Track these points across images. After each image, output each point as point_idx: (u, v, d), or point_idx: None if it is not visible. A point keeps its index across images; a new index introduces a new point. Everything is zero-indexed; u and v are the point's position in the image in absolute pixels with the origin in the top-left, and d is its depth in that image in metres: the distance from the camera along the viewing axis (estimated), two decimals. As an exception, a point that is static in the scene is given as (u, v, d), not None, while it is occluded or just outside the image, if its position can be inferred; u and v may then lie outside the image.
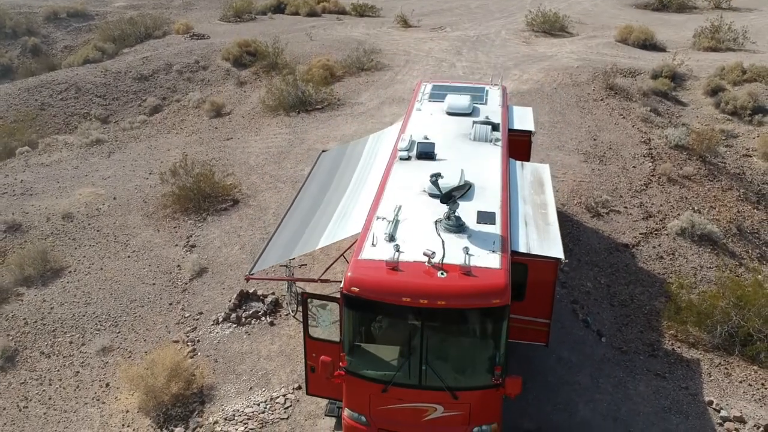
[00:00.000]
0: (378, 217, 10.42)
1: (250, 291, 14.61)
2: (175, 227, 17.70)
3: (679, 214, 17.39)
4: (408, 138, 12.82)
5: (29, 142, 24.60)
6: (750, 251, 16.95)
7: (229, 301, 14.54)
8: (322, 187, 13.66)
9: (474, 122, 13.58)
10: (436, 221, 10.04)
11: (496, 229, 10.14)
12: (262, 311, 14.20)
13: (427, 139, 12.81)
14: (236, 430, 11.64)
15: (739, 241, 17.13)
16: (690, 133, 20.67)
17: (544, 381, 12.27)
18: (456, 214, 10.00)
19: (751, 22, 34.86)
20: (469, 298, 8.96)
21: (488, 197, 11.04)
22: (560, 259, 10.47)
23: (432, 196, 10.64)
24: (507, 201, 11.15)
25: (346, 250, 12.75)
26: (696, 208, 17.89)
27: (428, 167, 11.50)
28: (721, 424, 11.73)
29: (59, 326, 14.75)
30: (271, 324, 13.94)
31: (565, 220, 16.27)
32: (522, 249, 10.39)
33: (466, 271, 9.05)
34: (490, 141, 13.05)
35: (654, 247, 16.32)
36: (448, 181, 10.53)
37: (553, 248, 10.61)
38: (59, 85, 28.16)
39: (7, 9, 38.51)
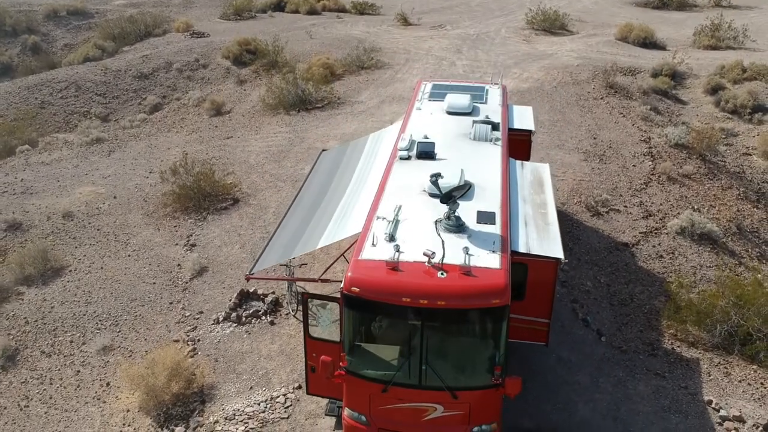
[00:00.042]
0: (378, 217, 10.43)
1: (251, 290, 14.64)
2: (175, 226, 17.72)
3: (678, 213, 17.40)
4: (408, 137, 12.82)
5: (29, 141, 24.60)
6: (750, 250, 16.95)
7: (230, 300, 14.56)
8: (322, 187, 13.67)
9: (474, 121, 13.59)
10: (436, 221, 10.05)
11: (496, 229, 10.15)
12: (262, 311, 14.21)
13: (427, 138, 12.81)
14: (237, 429, 11.67)
15: (739, 240, 17.14)
16: (690, 132, 20.66)
17: (543, 381, 12.29)
18: (456, 214, 10.00)
19: (751, 20, 34.80)
20: (469, 298, 8.97)
21: (488, 197, 11.05)
22: (560, 259, 10.48)
23: (432, 195, 10.64)
24: (507, 201, 11.16)
25: (346, 250, 12.75)
26: (696, 206, 17.89)
27: (428, 167, 11.51)
28: (720, 424, 11.76)
29: (60, 325, 14.77)
30: (272, 323, 13.96)
31: (565, 219, 16.28)
32: (522, 249, 10.40)
33: (466, 271, 9.07)
34: (490, 140, 13.05)
35: (654, 246, 16.33)
36: (448, 181, 10.53)
37: (553, 248, 10.62)
38: (59, 84, 28.13)
39: (7, 7, 38.42)
